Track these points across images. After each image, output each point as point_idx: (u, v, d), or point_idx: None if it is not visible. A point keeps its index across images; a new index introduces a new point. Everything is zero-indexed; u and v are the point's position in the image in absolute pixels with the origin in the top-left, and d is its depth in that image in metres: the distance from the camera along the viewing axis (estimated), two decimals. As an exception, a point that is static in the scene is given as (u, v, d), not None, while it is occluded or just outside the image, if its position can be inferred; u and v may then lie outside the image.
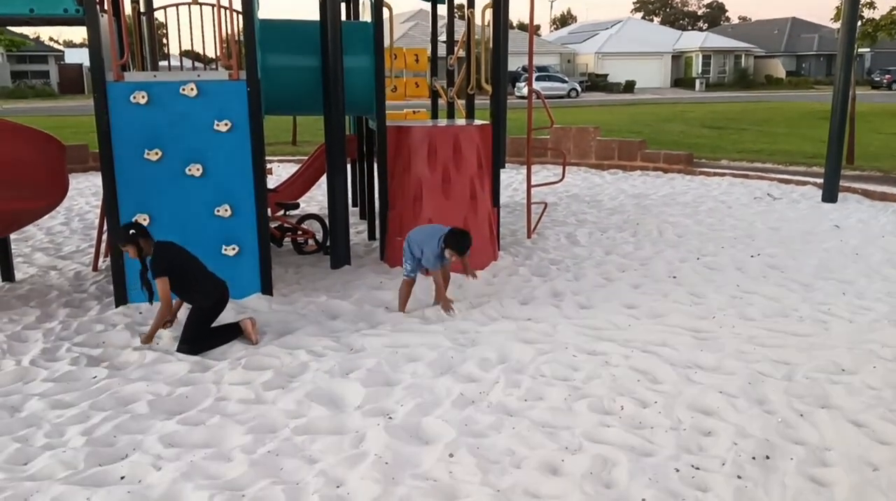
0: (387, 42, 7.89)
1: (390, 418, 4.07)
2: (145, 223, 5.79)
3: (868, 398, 4.30)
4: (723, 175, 13.55)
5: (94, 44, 5.66)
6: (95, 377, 4.67)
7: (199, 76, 5.97)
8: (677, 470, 3.49)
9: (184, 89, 5.77)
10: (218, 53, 6.47)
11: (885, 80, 51.89)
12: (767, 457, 3.61)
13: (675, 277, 6.88)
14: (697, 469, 3.52)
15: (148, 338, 5.20)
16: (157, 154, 5.79)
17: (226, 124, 5.84)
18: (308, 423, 4.03)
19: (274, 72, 6.88)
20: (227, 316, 5.72)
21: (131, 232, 5.05)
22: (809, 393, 4.34)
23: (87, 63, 5.71)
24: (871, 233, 8.74)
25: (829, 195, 10.77)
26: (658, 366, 4.71)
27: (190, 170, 5.85)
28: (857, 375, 4.62)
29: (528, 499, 3.26)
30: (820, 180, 11.20)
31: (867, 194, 11.25)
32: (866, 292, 6.41)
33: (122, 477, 3.46)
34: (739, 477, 3.43)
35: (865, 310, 5.92)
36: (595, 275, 6.93)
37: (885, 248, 7.94)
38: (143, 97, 5.71)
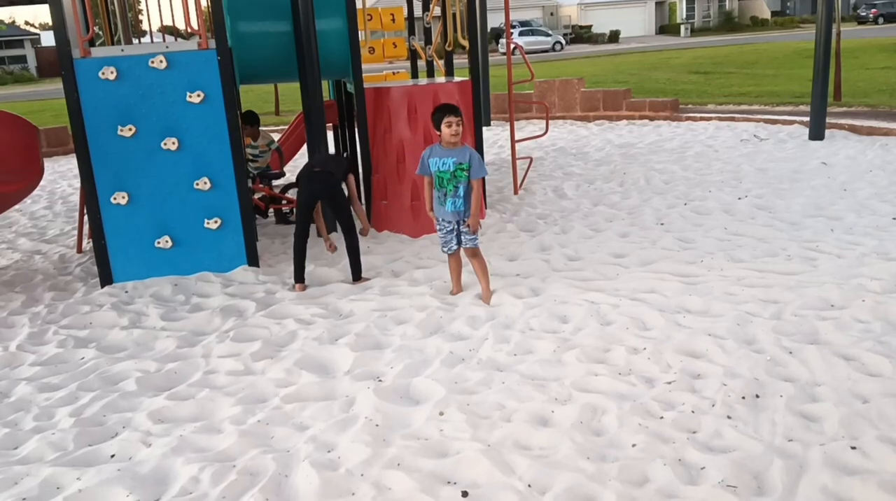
0: (360, 2, 7.74)
1: (380, 381, 4.05)
2: (124, 201, 5.74)
3: (857, 332, 4.29)
4: (709, 119, 13.46)
5: (57, 20, 5.53)
6: (83, 358, 4.65)
7: (167, 47, 5.86)
8: (662, 417, 3.48)
9: (153, 62, 5.65)
10: (186, 23, 6.32)
11: (871, 15, 51.30)
12: (757, 396, 3.60)
13: (662, 224, 6.85)
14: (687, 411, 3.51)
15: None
16: (130, 130, 5.68)
17: (198, 95, 5.73)
18: (297, 391, 4.01)
19: (245, 39, 6.75)
20: (214, 290, 5.70)
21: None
22: (798, 331, 4.32)
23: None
24: (859, 168, 8.69)
25: (816, 133, 10.70)
26: (646, 313, 4.70)
27: (165, 144, 5.76)
28: (845, 310, 4.60)
29: (518, 451, 3.26)
30: (807, 119, 11.11)
31: (854, 130, 11.18)
32: (855, 227, 6.39)
33: (112, 456, 3.45)
34: (729, 418, 3.43)
35: (854, 245, 5.89)
36: (583, 227, 6.89)
37: (873, 182, 7.90)
38: (111, 72, 5.60)
